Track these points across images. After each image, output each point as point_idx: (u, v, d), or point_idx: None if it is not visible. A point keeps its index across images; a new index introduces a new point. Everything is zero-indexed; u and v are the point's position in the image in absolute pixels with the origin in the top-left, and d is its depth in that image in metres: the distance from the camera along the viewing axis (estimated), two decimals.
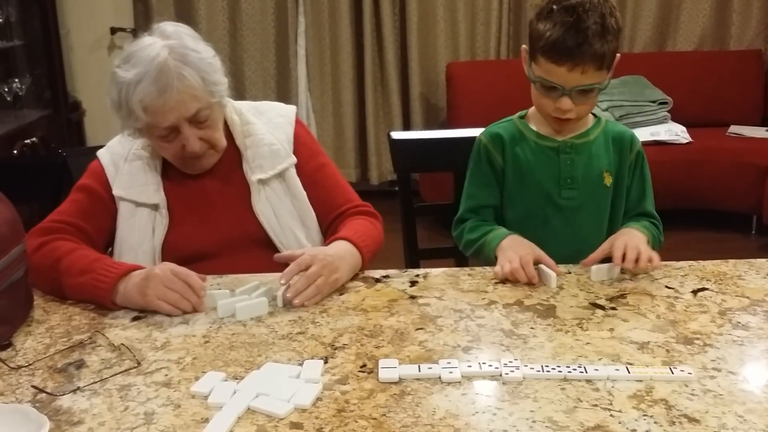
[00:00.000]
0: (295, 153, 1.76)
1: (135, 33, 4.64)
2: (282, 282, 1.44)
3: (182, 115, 1.58)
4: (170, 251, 1.65)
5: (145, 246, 1.66)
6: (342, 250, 1.56)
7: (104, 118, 4.71)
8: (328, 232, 1.74)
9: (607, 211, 1.75)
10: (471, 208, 1.75)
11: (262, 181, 1.71)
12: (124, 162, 1.70)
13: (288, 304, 1.43)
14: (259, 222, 1.70)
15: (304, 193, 1.75)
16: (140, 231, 1.67)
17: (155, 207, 1.68)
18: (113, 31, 4.65)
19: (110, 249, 1.72)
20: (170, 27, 1.62)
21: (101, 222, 1.68)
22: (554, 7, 1.57)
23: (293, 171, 1.75)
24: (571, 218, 1.71)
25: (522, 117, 1.77)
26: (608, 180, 1.72)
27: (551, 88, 1.60)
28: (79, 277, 1.49)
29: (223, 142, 1.69)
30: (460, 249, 1.78)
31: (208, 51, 1.63)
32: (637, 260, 1.53)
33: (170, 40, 1.58)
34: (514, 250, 1.57)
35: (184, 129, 1.59)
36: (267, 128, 1.76)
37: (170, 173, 1.72)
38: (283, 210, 1.72)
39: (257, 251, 1.69)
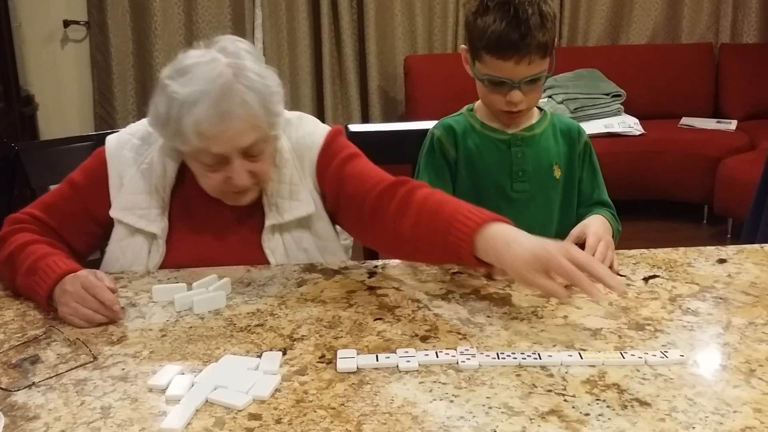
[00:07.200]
0: (321, 183, 1.60)
1: (89, 26, 4.57)
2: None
3: (236, 146, 1.42)
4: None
5: (136, 268, 1.56)
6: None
7: (58, 113, 4.64)
8: (374, 213, 1.50)
9: (557, 204, 1.77)
10: None
11: (276, 226, 1.58)
12: (134, 172, 1.54)
13: None
14: (266, 257, 1.58)
15: (332, 231, 1.63)
16: (133, 254, 1.56)
17: (153, 236, 1.55)
18: (66, 23, 4.57)
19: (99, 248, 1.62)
20: (231, 44, 1.45)
21: (82, 227, 1.57)
22: (488, 3, 1.57)
23: (315, 215, 1.59)
24: (522, 211, 1.72)
25: (470, 110, 1.79)
26: (558, 173, 1.74)
27: (500, 83, 1.61)
28: (26, 277, 1.42)
29: (268, 177, 1.53)
30: None
31: (273, 77, 1.47)
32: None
33: (233, 59, 1.41)
34: None
35: (234, 161, 1.43)
36: (293, 154, 1.59)
37: (181, 191, 1.57)
38: (297, 247, 1.60)
39: None
